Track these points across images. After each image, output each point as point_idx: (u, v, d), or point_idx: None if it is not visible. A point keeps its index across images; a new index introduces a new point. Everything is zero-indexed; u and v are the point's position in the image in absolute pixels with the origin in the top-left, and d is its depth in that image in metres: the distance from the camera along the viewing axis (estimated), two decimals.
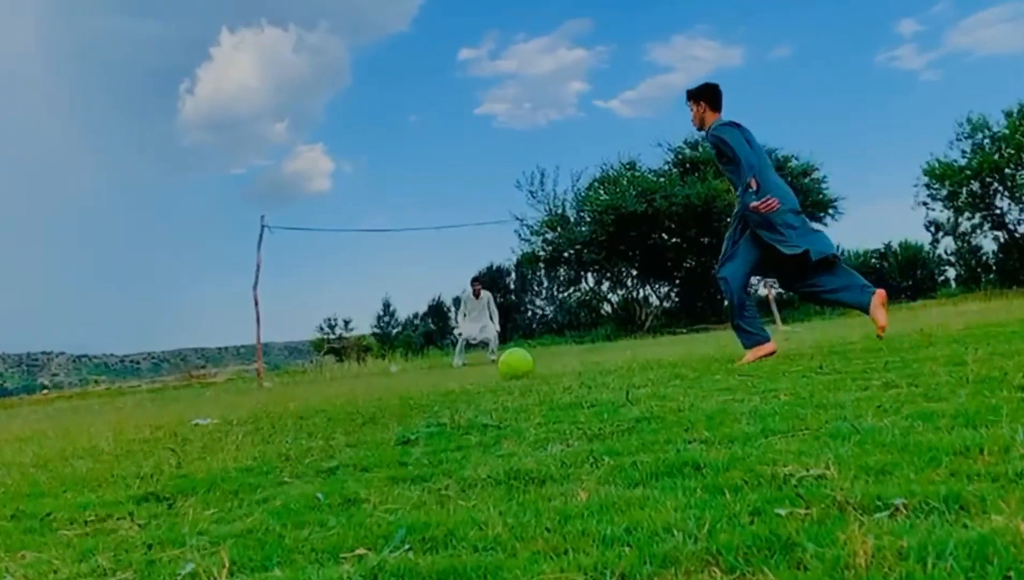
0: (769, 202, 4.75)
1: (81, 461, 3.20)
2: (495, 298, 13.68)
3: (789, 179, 26.92)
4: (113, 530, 1.81)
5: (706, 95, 5.05)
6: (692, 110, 5.11)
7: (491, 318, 13.14)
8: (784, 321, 16.47)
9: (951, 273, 28.31)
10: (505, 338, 14.18)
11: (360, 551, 1.40)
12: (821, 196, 27.27)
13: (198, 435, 3.86)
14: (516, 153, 59.86)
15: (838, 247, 28.60)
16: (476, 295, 13.21)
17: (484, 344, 13.32)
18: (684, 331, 19.86)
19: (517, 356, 6.23)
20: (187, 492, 2.20)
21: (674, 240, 27.29)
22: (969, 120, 25.34)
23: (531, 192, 28.30)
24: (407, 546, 1.39)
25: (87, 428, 5.35)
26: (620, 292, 29.42)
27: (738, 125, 4.91)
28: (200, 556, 1.47)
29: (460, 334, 13.19)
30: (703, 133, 5.13)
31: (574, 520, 1.42)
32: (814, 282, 4.93)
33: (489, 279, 34.45)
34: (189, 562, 1.43)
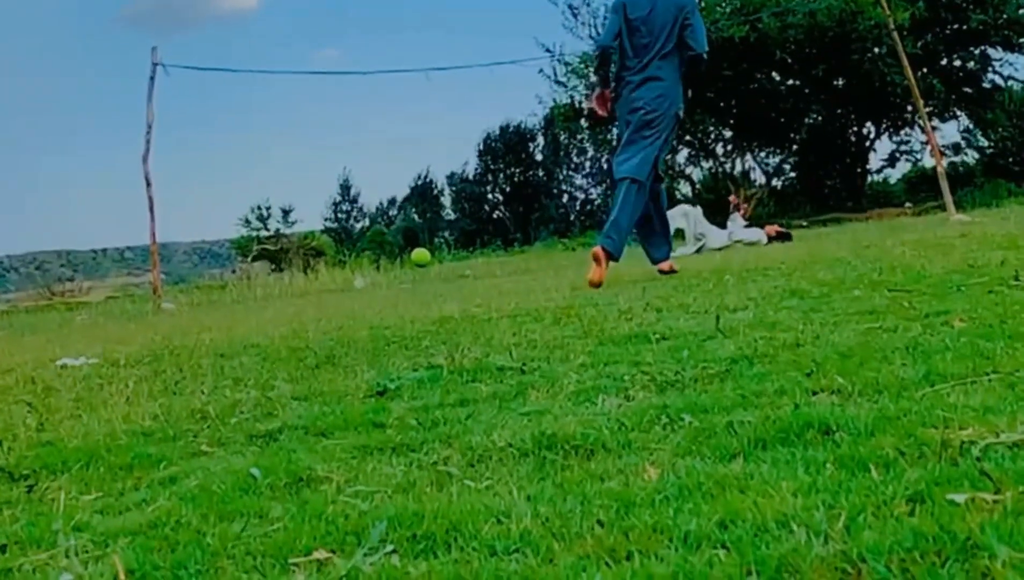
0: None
1: None
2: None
3: None
4: None
5: None
6: None
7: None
8: (958, 206, 16.29)
9: None
10: (529, 237, 14.29)
11: (320, 554, 1.42)
12: (1022, 11, 26.52)
13: (67, 382, 3.93)
14: None
15: None
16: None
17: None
18: (805, 224, 19.75)
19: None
20: (55, 468, 2.24)
21: (791, 82, 26.82)
22: None
23: (570, 7, 27.83)
24: (389, 547, 1.41)
25: None
26: (706, 165, 29.22)
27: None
28: (80, 563, 1.50)
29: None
30: None
31: (640, 510, 1.43)
32: None
33: (504, 146, 34.28)
34: (64, 572, 1.46)
